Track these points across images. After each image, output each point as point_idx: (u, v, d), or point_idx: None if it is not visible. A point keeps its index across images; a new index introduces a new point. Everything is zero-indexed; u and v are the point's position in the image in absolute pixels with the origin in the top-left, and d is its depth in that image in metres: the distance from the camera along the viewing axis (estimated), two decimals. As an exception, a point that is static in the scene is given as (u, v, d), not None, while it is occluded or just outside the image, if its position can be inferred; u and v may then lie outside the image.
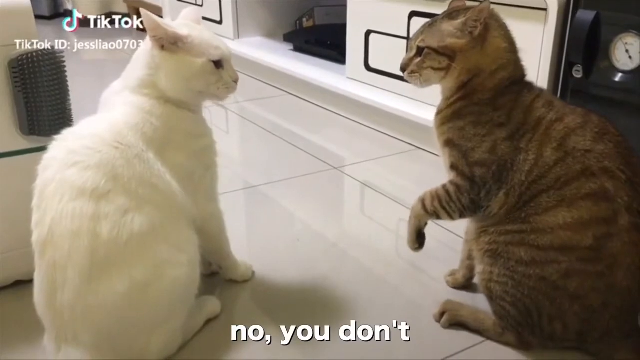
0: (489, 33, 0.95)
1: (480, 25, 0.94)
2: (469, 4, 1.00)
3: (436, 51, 0.97)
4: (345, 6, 2.15)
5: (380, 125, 2.03)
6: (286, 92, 2.51)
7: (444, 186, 1.01)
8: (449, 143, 0.99)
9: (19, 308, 1.06)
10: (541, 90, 1.00)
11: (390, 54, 1.96)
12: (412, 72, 1.00)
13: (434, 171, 1.76)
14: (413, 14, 1.83)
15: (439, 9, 1.69)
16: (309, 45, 2.62)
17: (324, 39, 2.58)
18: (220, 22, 2.88)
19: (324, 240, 1.42)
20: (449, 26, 0.96)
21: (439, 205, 1.01)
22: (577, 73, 1.35)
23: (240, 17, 2.85)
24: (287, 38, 2.75)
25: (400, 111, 1.90)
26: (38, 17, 4.00)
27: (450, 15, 0.98)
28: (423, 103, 1.85)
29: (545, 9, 1.42)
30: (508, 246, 0.94)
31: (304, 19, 2.87)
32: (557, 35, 1.41)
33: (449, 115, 0.99)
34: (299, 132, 2.15)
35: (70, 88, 1.11)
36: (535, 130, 0.93)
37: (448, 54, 0.96)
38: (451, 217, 1.01)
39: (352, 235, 1.46)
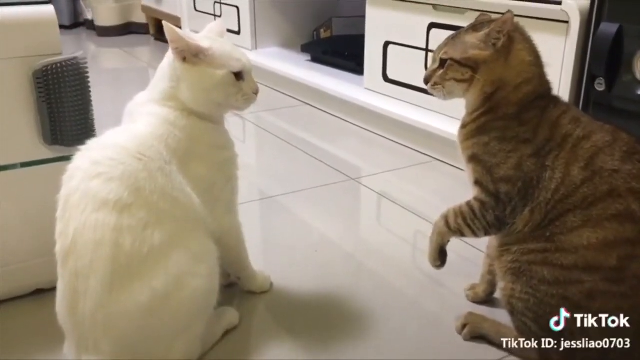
0: (513, 45, 0.95)
1: (504, 37, 0.93)
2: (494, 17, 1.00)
3: (459, 63, 0.96)
4: (363, 17, 2.16)
5: (398, 136, 2.03)
6: (303, 102, 2.51)
7: (467, 203, 1.00)
8: (473, 158, 0.98)
9: (40, 316, 1.06)
10: (568, 105, 0.99)
11: (409, 65, 1.96)
12: (435, 84, 1.00)
13: (452, 183, 1.76)
14: (432, 26, 1.83)
15: (458, 21, 1.70)
16: (326, 55, 2.62)
17: (341, 50, 2.58)
18: (238, 33, 2.89)
19: (342, 251, 1.42)
20: (472, 38, 0.96)
21: (463, 223, 1.00)
22: (600, 86, 1.34)
23: (258, 28, 2.87)
24: (305, 49, 2.75)
25: (418, 122, 1.89)
26: (59, 26, 4.09)
27: (474, 27, 0.97)
28: (441, 114, 1.84)
29: (567, 22, 1.41)
30: (531, 265, 0.93)
31: (322, 30, 2.88)
32: (579, 48, 1.40)
33: (474, 129, 0.98)
34: (316, 142, 2.15)
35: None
36: (561, 147, 0.92)
37: (471, 65, 0.95)
38: (475, 235, 1.00)
39: (370, 247, 1.45)
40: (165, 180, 0.93)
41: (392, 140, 2.06)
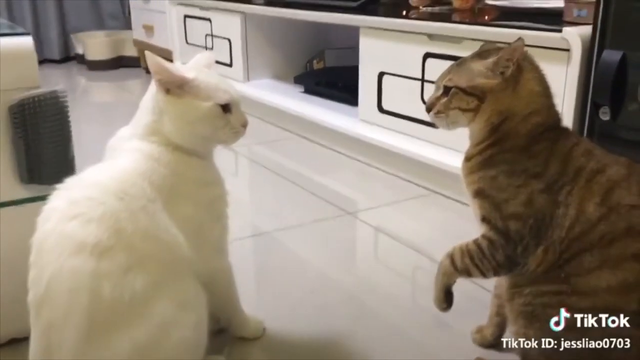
0: (521, 75, 0.89)
1: (513, 65, 0.88)
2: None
3: (464, 91, 0.90)
4: (356, 48, 2.13)
5: (395, 168, 1.97)
6: (297, 134, 2.46)
7: (475, 241, 0.93)
8: (479, 193, 0.92)
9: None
10: (579, 137, 0.94)
11: (405, 96, 1.92)
12: (439, 112, 0.94)
13: (452, 217, 1.70)
14: (428, 55, 1.79)
15: (454, 51, 1.66)
16: (319, 87, 2.59)
17: (335, 81, 2.55)
18: (230, 65, 2.86)
19: (340, 291, 1.35)
20: (479, 65, 0.90)
21: (471, 262, 0.93)
22: (604, 115, 1.29)
23: (250, 60, 2.84)
24: (298, 80, 2.72)
25: (415, 154, 1.84)
26: (49, 60, 4.05)
27: (480, 55, 0.92)
28: (439, 146, 1.79)
29: (567, 50, 1.37)
30: (545, 308, 0.86)
31: (315, 61, 2.85)
32: (582, 77, 1.35)
33: (479, 162, 0.92)
34: (311, 175, 2.10)
35: (76, 132, 1.06)
36: (574, 181, 0.86)
37: (477, 94, 0.90)
38: (484, 276, 0.93)
39: (369, 286, 1.38)
40: (149, 220, 0.87)
41: (389, 173, 2.00)
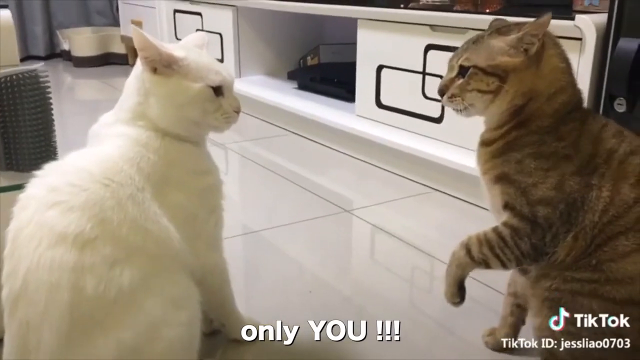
0: (544, 51, 0.83)
1: (539, 42, 0.81)
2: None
3: (484, 71, 0.83)
4: (351, 44, 2.06)
5: (393, 165, 1.91)
6: (290, 131, 2.39)
7: (495, 229, 0.86)
8: (502, 178, 0.84)
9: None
10: (605, 118, 0.88)
11: (404, 90, 1.85)
12: (453, 95, 0.86)
13: (452, 215, 1.64)
14: (430, 47, 1.72)
15: (458, 42, 1.58)
16: (314, 83, 2.52)
17: (330, 77, 2.49)
18: (221, 60, 2.78)
19: (337, 293, 1.28)
20: (500, 42, 0.83)
21: (490, 253, 0.85)
22: (620, 107, 1.23)
23: (242, 55, 2.77)
24: (291, 76, 2.66)
25: (414, 150, 1.78)
26: (34, 57, 3.94)
27: (499, 31, 0.85)
28: (440, 141, 1.73)
29: (580, 39, 1.31)
30: (575, 296, 0.80)
31: (309, 57, 2.79)
32: (595, 67, 1.29)
33: (502, 146, 0.85)
34: (305, 173, 2.02)
35: (60, 128, 0.98)
36: (607, 163, 0.80)
37: (499, 74, 0.83)
38: (505, 266, 0.86)
39: (368, 288, 1.30)
40: (137, 209, 0.79)
41: (387, 170, 1.94)
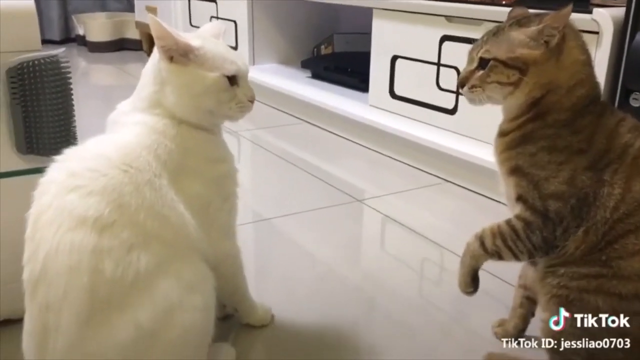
0: (565, 43, 0.82)
1: (559, 34, 0.81)
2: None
3: (504, 63, 0.83)
4: (366, 34, 2.05)
5: (405, 156, 1.91)
6: (304, 120, 2.40)
7: (508, 222, 0.86)
8: (516, 171, 0.85)
9: (7, 352, 0.93)
10: (624, 113, 0.87)
11: (419, 80, 1.85)
12: (474, 86, 0.86)
13: (464, 206, 1.64)
14: (445, 38, 1.72)
15: (474, 33, 1.59)
16: (328, 72, 2.52)
17: (343, 66, 2.48)
18: (235, 48, 2.79)
19: (348, 282, 1.29)
20: (520, 34, 0.83)
21: (503, 245, 0.86)
22: (636, 101, 1.23)
23: (256, 43, 2.77)
24: (305, 64, 2.65)
25: (427, 141, 1.78)
26: (49, 41, 3.96)
27: (519, 22, 0.85)
28: (453, 133, 1.73)
29: (597, 32, 1.30)
30: (582, 293, 0.80)
31: (322, 46, 2.78)
32: (612, 61, 1.29)
33: (517, 138, 0.85)
34: (317, 162, 2.03)
35: (76, 112, 1.00)
36: (621, 159, 0.80)
37: (519, 66, 0.83)
38: (517, 258, 0.87)
39: (379, 277, 1.31)
40: (155, 195, 0.80)
41: (399, 161, 1.94)
